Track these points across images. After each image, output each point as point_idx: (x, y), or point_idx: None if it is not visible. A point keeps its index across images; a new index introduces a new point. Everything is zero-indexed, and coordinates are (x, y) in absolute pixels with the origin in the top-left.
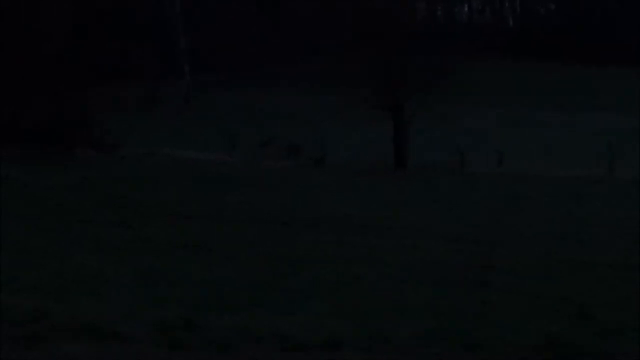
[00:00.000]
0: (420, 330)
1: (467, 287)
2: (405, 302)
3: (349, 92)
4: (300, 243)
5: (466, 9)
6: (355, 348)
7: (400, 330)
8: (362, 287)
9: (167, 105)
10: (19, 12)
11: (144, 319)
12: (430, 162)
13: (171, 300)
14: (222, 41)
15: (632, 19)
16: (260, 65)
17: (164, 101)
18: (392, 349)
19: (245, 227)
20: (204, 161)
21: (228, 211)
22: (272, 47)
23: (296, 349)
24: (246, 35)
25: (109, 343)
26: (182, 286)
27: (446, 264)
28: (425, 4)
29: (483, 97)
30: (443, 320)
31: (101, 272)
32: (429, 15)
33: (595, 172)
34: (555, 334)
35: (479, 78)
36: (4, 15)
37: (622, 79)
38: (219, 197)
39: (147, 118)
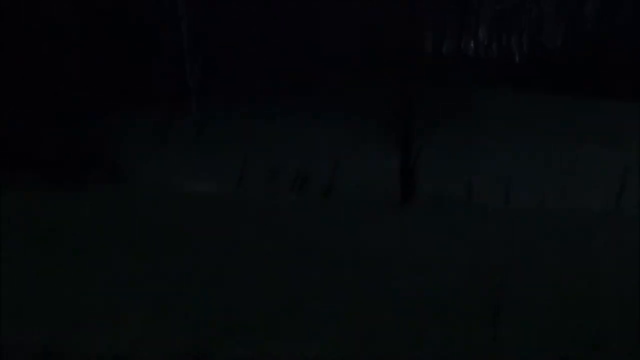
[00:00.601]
0: None
1: (478, 320)
2: (417, 332)
3: (358, 123)
4: (311, 274)
5: (472, 43)
6: None
7: None
8: (373, 319)
9: (178, 135)
10: (33, 39)
11: (157, 352)
12: (438, 194)
13: (183, 332)
14: (232, 69)
15: (637, 54)
16: (270, 95)
17: (174, 130)
18: None
19: (256, 258)
20: (213, 192)
21: (237, 242)
22: (283, 78)
23: None
24: (256, 63)
25: None
26: (193, 318)
27: (456, 295)
28: (431, 37)
29: (491, 129)
30: (454, 351)
31: (112, 304)
32: (435, 49)
33: (606, 205)
34: None
35: (487, 110)
36: (17, 42)
37: (631, 113)
38: (228, 228)
39: (158, 147)
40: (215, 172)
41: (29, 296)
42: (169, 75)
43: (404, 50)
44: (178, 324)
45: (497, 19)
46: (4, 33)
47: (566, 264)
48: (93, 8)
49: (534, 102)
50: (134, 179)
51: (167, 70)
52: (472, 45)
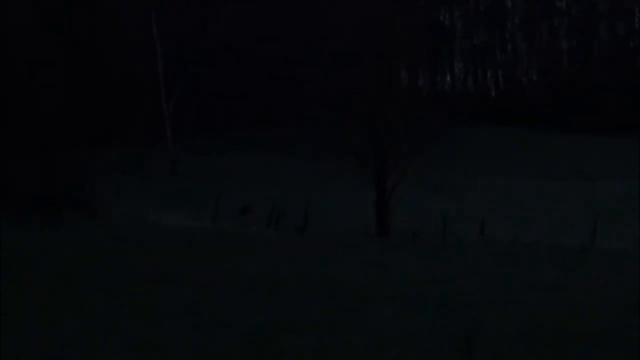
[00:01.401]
0: None
1: (452, 353)
2: None
3: (334, 158)
4: (285, 310)
5: (448, 78)
6: None
7: None
8: (347, 352)
9: (153, 169)
10: (10, 77)
11: None
12: (414, 228)
13: None
14: (207, 105)
15: (611, 89)
16: (245, 129)
17: (149, 165)
18: None
19: (231, 294)
20: (189, 227)
21: (212, 278)
22: (258, 112)
23: None
24: (232, 100)
25: None
26: (170, 352)
27: (430, 331)
28: (407, 72)
29: (467, 164)
30: None
31: (88, 339)
32: (411, 84)
33: (580, 240)
34: None
35: (463, 145)
36: None
37: (605, 147)
38: (203, 263)
39: (133, 182)
40: (190, 207)
41: (4, 333)
42: (144, 111)
43: (379, 86)
44: (155, 358)
45: (473, 54)
46: None
47: (540, 297)
48: (71, 45)
49: (510, 137)
50: (109, 213)
51: (143, 106)
52: (448, 80)
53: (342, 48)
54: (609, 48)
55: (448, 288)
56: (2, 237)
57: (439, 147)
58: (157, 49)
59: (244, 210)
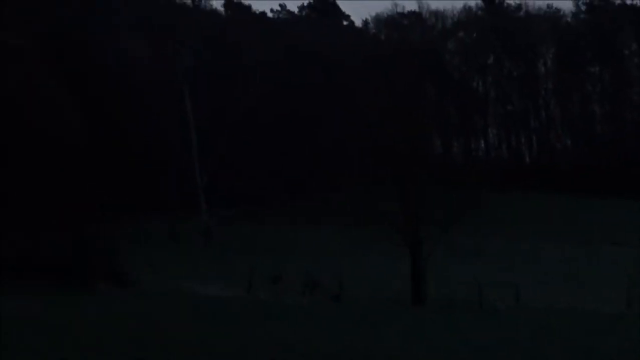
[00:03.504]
0: None
1: None
2: None
3: (368, 227)
4: None
5: (482, 144)
6: None
7: None
8: None
9: (187, 240)
10: (39, 146)
11: None
12: (449, 296)
13: None
14: (240, 175)
15: None
16: (278, 199)
17: (183, 235)
18: None
19: None
20: (223, 297)
21: (248, 348)
22: (291, 181)
23: None
24: (264, 169)
25: None
26: None
27: None
28: (440, 139)
29: (500, 230)
30: None
31: None
32: (444, 150)
33: (615, 305)
34: None
35: (498, 212)
36: (23, 149)
37: (638, 213)
38: (238, 333)
39: (167, 252)
40: (224, 277)
41: None
42: (178, 182)
43: (412, 153)
44: None
45: (507, 120)
46: (12, 139)
47: None
48: (104, 118)
49: (543, 203)
50: (143, 283)
51: (177, 177)
52: (482, 146)
53: (372, 116)
54: None
55: (485, 356)
56: (36, 305)
57: (472, 213)
58: (190, 122)
59: (275, 280)
